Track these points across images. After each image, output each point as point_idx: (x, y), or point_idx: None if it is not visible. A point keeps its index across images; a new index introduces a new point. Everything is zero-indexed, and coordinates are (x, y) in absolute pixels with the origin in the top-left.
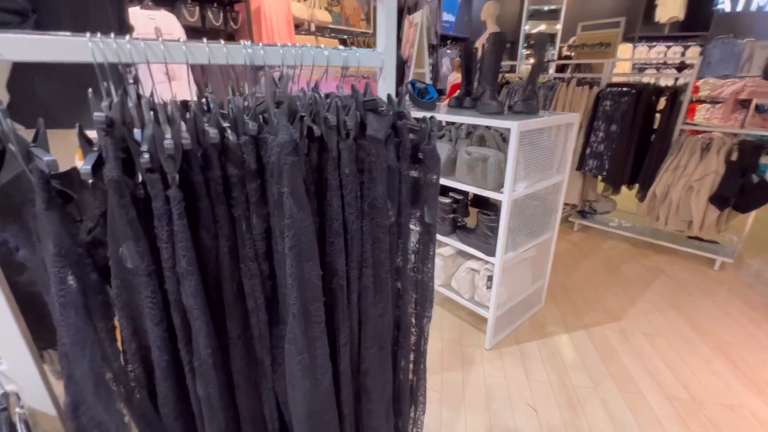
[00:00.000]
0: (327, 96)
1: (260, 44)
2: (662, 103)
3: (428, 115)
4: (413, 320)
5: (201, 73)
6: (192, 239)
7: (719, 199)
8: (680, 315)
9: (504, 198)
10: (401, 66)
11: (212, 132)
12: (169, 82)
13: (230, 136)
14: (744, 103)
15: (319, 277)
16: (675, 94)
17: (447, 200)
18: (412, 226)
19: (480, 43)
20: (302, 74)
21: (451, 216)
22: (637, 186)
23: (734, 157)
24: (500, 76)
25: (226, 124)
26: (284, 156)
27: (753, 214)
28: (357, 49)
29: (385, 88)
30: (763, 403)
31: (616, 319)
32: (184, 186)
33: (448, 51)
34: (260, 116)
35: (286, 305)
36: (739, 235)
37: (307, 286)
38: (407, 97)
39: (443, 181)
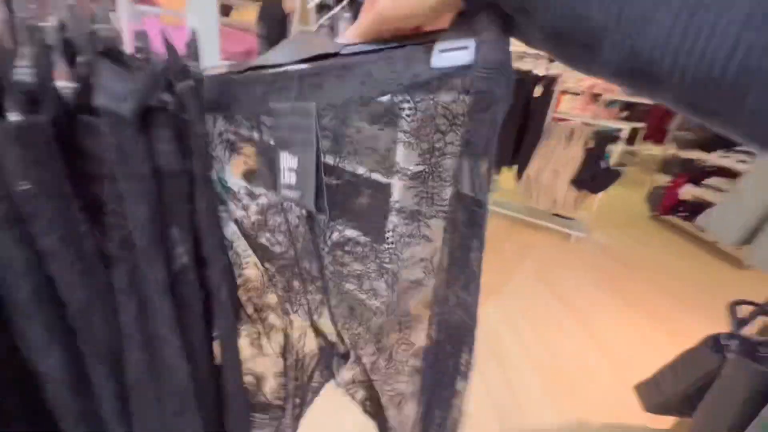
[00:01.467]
0: None
1: None
2: (538, 91)
3: None
4: None
5: None
6: None
7: (577, 182)
8: (548, 288)
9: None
10: (282, 21)
11: None
12: None
13: None
14: (597, 97)
15: None
16: (549, 83)
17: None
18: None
19: None
20: None
21: None
22: (515, 167)
23: (590, 145)
24: None
25: None
26: None
27: (600, 195)
28: None
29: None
30: (608, 363)
31: (496, 295)
32: None
33: (346, 14)
34: None
35: None
36: (589, 213)
37: None
38: None
39: None
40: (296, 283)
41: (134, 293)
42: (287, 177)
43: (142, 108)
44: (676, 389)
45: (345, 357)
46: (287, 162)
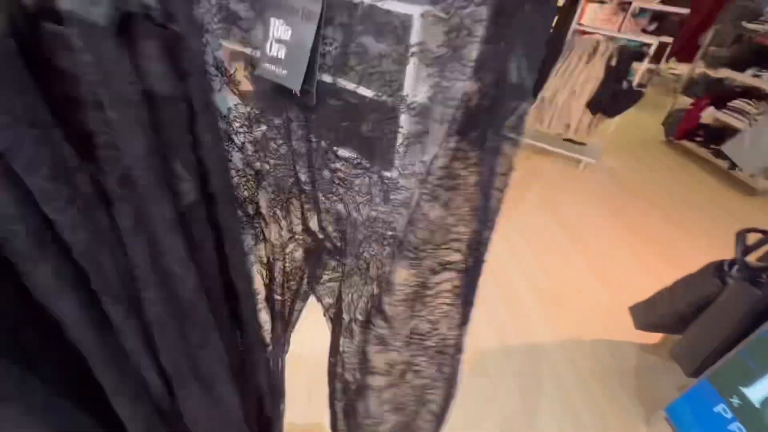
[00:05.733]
0: None
1: None
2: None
3: None
4: None
5: None
6: None
7: (594, 104)
8: (551, 214)
9: None
10: None
11: None
12: None
13: None
14: (625, 6)
15: None
16: None
17: None
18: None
19: None
20: None
21: None
22: None
23: (613, 62)
24: None
25: None
26: None
27: (616, 119)
28: None
29: None
30: (603, 286)
31: (500, 222)
32: None
33: None
34: None
35: None
36: (603, 138)
37: None
38: None
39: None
40: (287, 193)
41: (141, 233)
42: (274, 49)
43: (118, 14)
44: (672, 309)
45: (330, 253)
46: (278, 31)
